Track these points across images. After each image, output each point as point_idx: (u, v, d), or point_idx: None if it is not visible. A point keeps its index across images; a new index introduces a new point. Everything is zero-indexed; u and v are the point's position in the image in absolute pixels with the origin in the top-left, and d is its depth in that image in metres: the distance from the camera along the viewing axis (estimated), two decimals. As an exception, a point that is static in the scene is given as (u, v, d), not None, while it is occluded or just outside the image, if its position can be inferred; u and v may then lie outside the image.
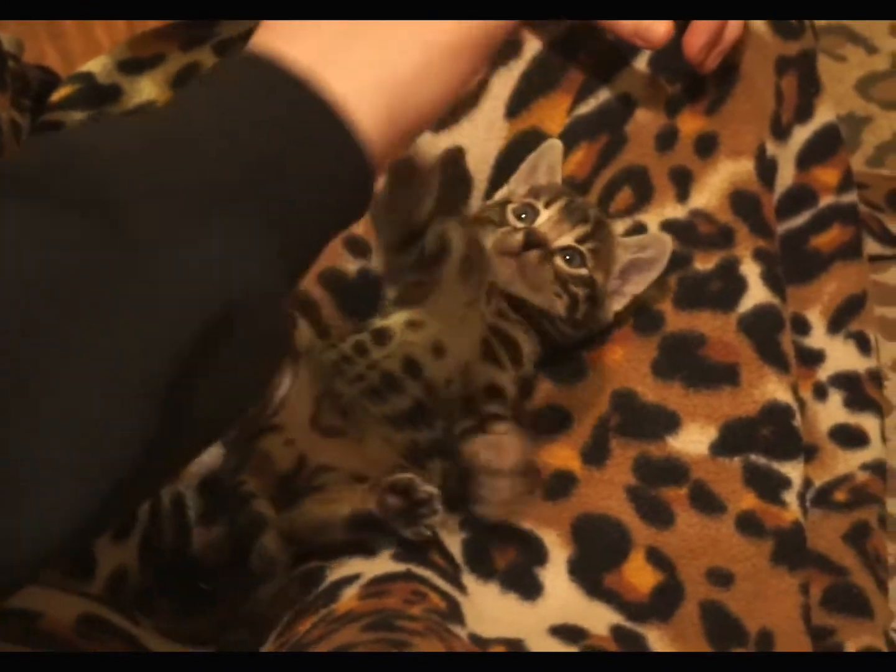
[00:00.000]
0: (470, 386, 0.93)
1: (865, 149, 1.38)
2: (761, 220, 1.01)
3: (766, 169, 1.03)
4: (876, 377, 1.06)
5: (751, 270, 0.98)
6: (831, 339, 1.06)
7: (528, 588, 0.90)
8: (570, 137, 1.05)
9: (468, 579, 0.90)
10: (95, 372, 0.52)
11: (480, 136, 1.05)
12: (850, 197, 1.09)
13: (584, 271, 0.95)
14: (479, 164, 1.06)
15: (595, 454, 0.94)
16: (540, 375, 0.98)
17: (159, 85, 1.09)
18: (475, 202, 1.06)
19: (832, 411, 1.04)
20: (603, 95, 1.04)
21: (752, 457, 0.94)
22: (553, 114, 1.05)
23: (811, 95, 1.08)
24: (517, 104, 1.05)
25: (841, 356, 1.06)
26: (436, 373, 0.92)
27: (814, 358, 1.06)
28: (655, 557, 0.91)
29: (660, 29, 0.92)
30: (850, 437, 1.04)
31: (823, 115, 1.09)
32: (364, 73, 0.62)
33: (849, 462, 1.02)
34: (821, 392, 1.05)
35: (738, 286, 0.98)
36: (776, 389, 0.96)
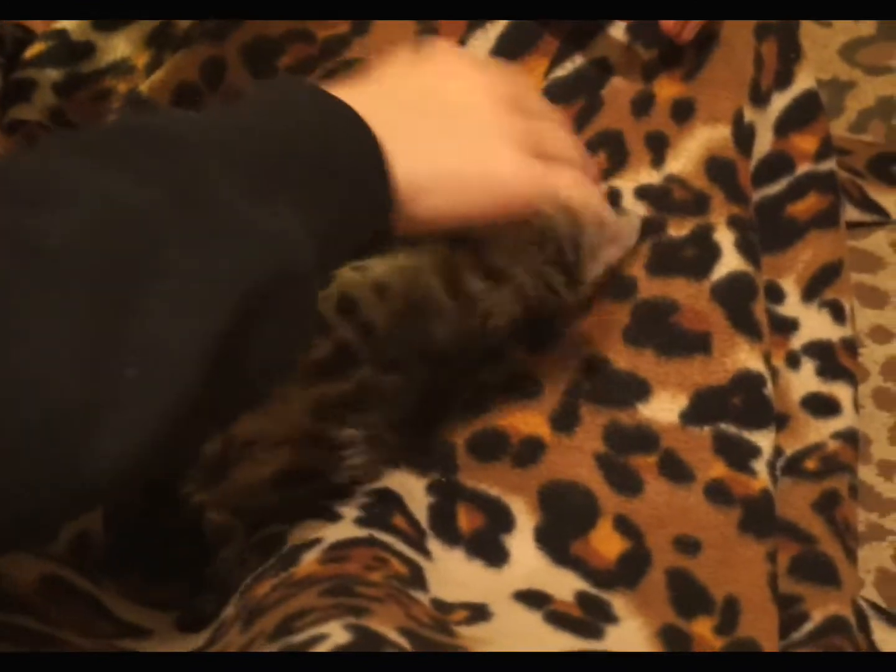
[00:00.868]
0: None
1: (848, 114, 1.36)
2: (737, 187, 1.00)
3: (743, 135, 1.02)
4: (850, 346, 1.05)
5: (725, 238, 0.98)
6: (805, 308, 1.05)
7: (494, 555, 0.90)
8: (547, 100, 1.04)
9: (433, 544, 0.90)
10: (176, 301, 0.58)
11: None
12: (829, 165, 1.08)
13: None
14: None
15: (564, 421, 0.94)
16: (509, 340, 0.98)
17: (134, 42, 1.08)
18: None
19: (805, 380, 1.04)
20: (579, 60, 1.03)
21: (723, 425, 0.94)
22: (529, 77, 1.04)
23: (791, 62, 1.07)
24: None
25: (815, 325, 1.05)
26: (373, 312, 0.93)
27: (787, 326, 1.05)
28: (623, 525, 0.91)
29: None
30: (822, 406, 1.03)
31: (803, 81, 1.07)
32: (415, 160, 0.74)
33: (820, 431, 1.02)
34: (794, 361, 1.04)
35: (712, 253, 0.97)
36: (748, 358, 0.95)
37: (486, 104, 0.79)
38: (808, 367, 1.04)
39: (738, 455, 0.93)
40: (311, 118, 0.71)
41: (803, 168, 1.07)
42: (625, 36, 1.03)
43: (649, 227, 0.98)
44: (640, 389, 0.94)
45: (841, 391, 1.03)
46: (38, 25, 1.11)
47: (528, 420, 0.94)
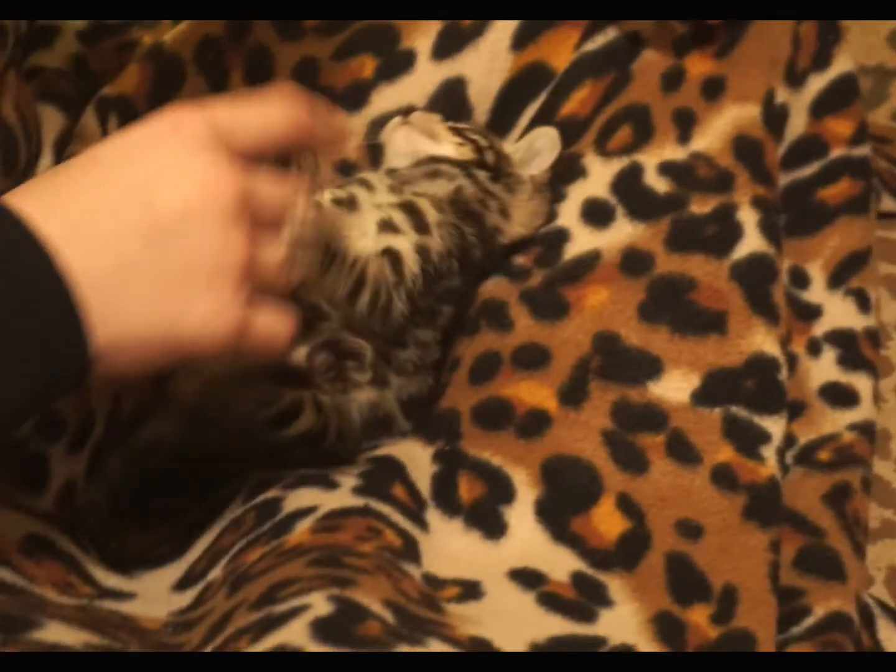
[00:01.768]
0: None
1: (892, 102, 1.33)
2: (763, 168, 0.98)
3: (774, 116, 1.00)
4: (874, 336, 1.03)
5: (748, 217, 0.96)
6: (830, 295, 1.03)
7: (493, 526, 0.89)
8: (576, 74, 1.03)
9: (433, 515, 0.89)
10: None
11: (484, 67, 1.03)
12: (863, 150, 1.05)
13: None
14: (481, 95, 1.03)
15: (572, 395, 0.92)
16: (520, 310, 0.96)
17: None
18: (474, 134, 1.04)
19: (824, 368, 1.02)
20: (612, 33, 1.02)
21: (733, 408, 0.92)
22: (560, 48, 1.03)
23: (830, 43, 1.04)
24: (524, 36, 1.02)
25: (839, 313, 1.03)
26: None
27: (811, 313, 1.03)
28: (625, 504, 0.89)
29: None
30: (840, 396, 1.01)
31: (842, 64, 1.05)
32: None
33: (836, 421, 1.00)
34: (815, 348, 1.02)
35: (734, 232, 0.96)
36: (763, 341, 0.93)
37: (202, 223, 0.69)
38: (828, 355, 1.02)
39: (747, 440, 0.91)
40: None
41: (837, 152, 1.05)
42: (658, 7, 1.00)
43: (670, 203, 0.96)
44: (651, 367, 0.93)
45: (860, 382, 1.01)
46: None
47: (534, 391, 0.93)
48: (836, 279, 1.03)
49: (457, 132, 1.00)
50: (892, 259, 1.20)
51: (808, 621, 0.89)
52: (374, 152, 1.03)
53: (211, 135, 0.70)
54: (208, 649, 0.68)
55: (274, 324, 0.75)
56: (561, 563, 0.87)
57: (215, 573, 0.82)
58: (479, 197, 0.97)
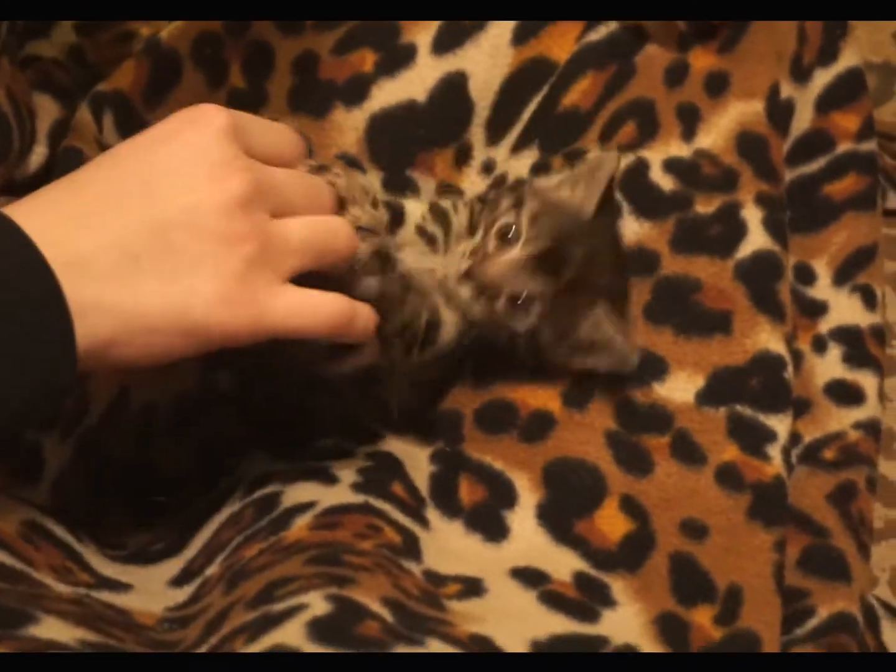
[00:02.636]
0: None
1: (898, 100, 1.33)
2: (767, 164, 0.97)
3: (778, 111, 0.99)
4: (879, 334, 1.02)
5: (752, 215, 0.95)
6: (836, 291, 1.02)
7: (494, 530, 0.88)
8: (577, 65, 1.01)
9: (432, 514, 0.89)
10: None
11: (485, 62, 1.01)
12: (870, 145, 1.04)
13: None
14: (482, 90, 1.02)
15: (577, 397, 0.92)
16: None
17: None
18: (476, 129, 1.03)
19: (830, 366, 1.00)
20: (614, 24, 1.00)
21: (738, 407, 0.91)
22: (562, 41, 1.01)
23: (837, 38, 1.03)
24: (525, 31, 1.01)
25: (844, 309, 1.02)
26: None
27: (816, 309, 1.01)
28: (629, 506, 0.88)
29: None
30: (845, 394, 0.99)
31: (848, 58, 1.04)
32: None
33: (842, 420, 0.98)
34: (820, 345, 1.01)
35: (738, 231, 0.95)
36: (769, 339, 0.92)
37: (211, 212, 0.72)
38: (834, 352, 1.01)
39: (753, 439, 0.90)
40: None
41: (843, 147, 1.04)
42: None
43: (676, 202, 0.96)
44: (656, 368, 0.92)
45: (866, 380, 1.00)
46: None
47: (538, 394, 0.92)
48: (843, 275, 1.02)
49: None
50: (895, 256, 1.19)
51: (813, 622, 0.89)
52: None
53: (230, 126, 0.74)
54: (203, 648, 0.68)
55: (310, 302, 0.76)
56: (563, 564, 0.86)
57: (212, 569, 0.81)
58: None
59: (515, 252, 0.88)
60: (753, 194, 0.95)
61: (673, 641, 0.83)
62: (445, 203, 0.95)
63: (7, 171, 0.73)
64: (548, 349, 0.90)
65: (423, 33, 1.00)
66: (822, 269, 1.02)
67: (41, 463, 0.84)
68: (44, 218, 0.68)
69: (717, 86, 0.98)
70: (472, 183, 1.04)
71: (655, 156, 0.97)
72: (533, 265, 0.88)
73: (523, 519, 0.88)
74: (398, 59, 1.01)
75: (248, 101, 1.00)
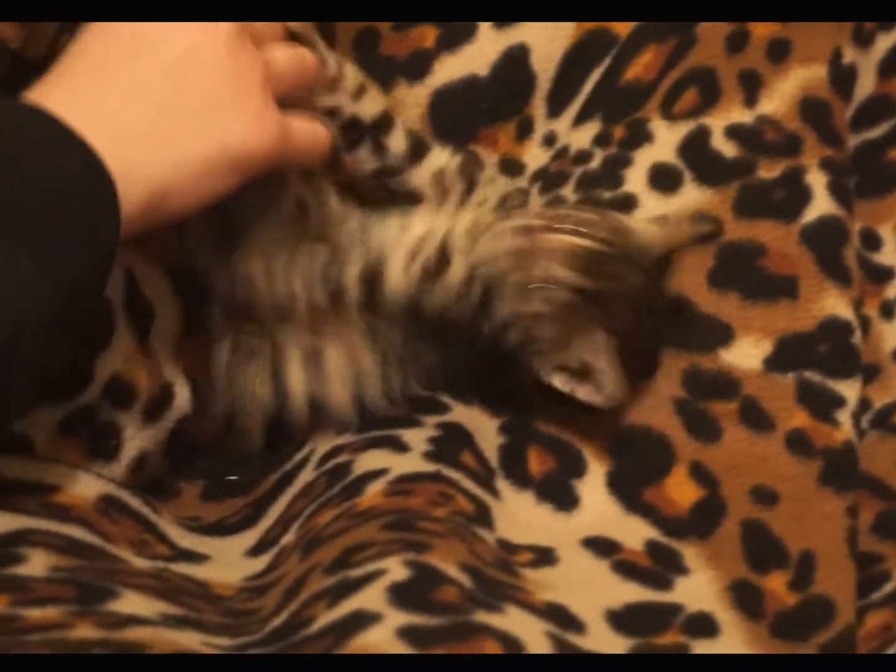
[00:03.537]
0: None
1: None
2: (831, 129, 0.96)
3: (841, 76, 0.98)
4: (947, 297, 1.01)
5: (817, 180, 0.94)
6: (903, 257, 1.01)
7: (564, 499, 0.88)
8: (639, 38, 1.02)
9: (503, 485, 0.89)
10: None
11: (546, 35, 1.02)
12: (936, 110, 1.03)
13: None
14: (544, 62, 1.02)
15: None
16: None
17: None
18: (537, 102, 1.03)
19: (899, 331, 1.00)
20: (675, -4, 1.00)
21: (807, 373, 0.90)
22: None
23: (899, 1, 1.03)
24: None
25: (912, 275, 1.01)
26: None
27: (883, 275, 1.00)
28: (699, 473, 0.88)
29: None
30: (914, 360, 0.99)
31: (912, 21, 1.03)
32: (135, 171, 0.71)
33: (912, 385, 0.98)
34: (888, 311, 1.00)
35: (803, 196, 0.94)
36: (836, 305, 0.92)
37: (211, 50, 0.76)
38: (902, 318, 1.00)
39: (822, 404, 0.90)
40: (26, 153, 0.67)
41: (908, 112, 1.03)
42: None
43: (739, 168, 0.95)
44: (722, 334, 0.92)
45: (936, 344, 0.99)
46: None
47: (604, 361, 0.92)
48: (909, 241, 1.01)
49: None
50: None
51: (889, 587, 0.88)
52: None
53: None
54: (283, 615, 0.68)
55: (311, 126, 0.83)
56: (634, 532, 0.86)
57: (288, 538, 0.82)
58: None
59: (582, 241, 0.87)
60: (817, 159, 0.95)
61: (747, 608, 0.82)
62: (486, 169, 0.96)
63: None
64: (537, 346, 0.88)
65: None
66: (889, 235, 1.01)
67: (118, 443, 0.85)
68: (65, 94, 0.70)
69: (779, 51, 0.97)
70: (535, 156, 1.04)
71: (717, 122, 0.97)
72: (587, 261, 0.86)
73: (592, 488, 0.88)
74: (459, 34, 1.01)
75: None
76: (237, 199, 0.78)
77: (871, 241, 1.01)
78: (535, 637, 0.67)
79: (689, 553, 0.85)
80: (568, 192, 1.01)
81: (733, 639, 0.80)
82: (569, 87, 1.03)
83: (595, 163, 1.01)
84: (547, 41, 1.01)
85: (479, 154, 0.99)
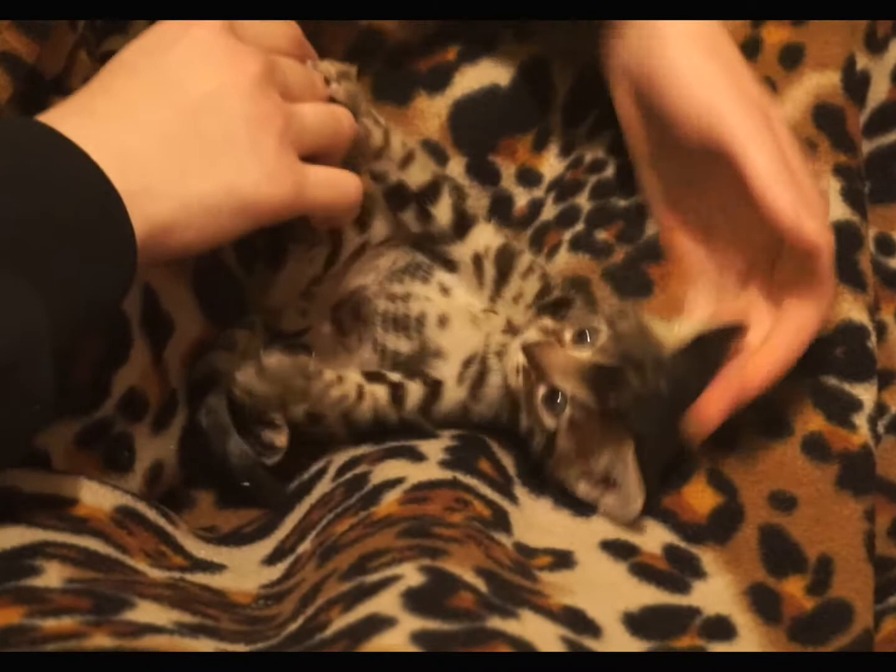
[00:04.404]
0: None
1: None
2: (844, 135, 0.96)
3: (854, 82, 0.98)
4: (961, 304, 1.01)
5: (830, 186, 0.94)
6: (918, 263, 1.01)
7: (583, 504, 0.88)
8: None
9: (520, 491, 0.89)
10: None
11: (567, 45, 1.02)
12: (948, 115, 1.03)
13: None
14: (563, 73, 1.03)
15: None
16: (603, 288, 0.97)
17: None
18: (555, 113, 1.03)
19: (915, 337, 1.00)
20: (685, 5, 1.00)
21: (823, 378, 0.91)
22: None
23: (912, 8, 1.03)
24: None
25: (926, 280, 1.01)
26: None
27: (898, 280, 1.01)
28: (717, 479, 0.89)
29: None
30: (930, 364, 0.99)
31: (924, 28, 1.03)
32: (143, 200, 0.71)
33: (929, 391, 0.98)
34: (903, 316, 1.00)
35: None
36: (851, 309, 0.92)
37: (234, 94, 0.76)
38: (919, 323, 1.00)
39: (838, 408, 0.90)
40: (33, 172, 0.68)
41: (921, 117, 1.03)
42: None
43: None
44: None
45: (951, 350, 0.99)
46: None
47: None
48: (923, 246, 1.01)
49: None
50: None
51: (905, 591, 0.88)
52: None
53: (226, 23, 0.79)
54: (299, 620, 0.68)
55: (336, 178, 0.83)
56: (653, 536, 0.87)
57: (304, 546, 0.83)
58: None
59: (584, 355, 0.87)
60: (831, 165, 0.95)
61: (765, 612, 0.83)
62: (521, 254, 0.95)
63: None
64: (562, 459, 0.88)
65: None
66: (904, 240, 1.02)
67: (132, 454, 0.86)
68: (79, 119, 0.71)
69: (792, 58, 0.98)
70: (551, 166, 1.04)
71: (732, 131, 0.97)
72: (591, 375, 0.85)
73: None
74: (480, 45, 1.02)
75: None
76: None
77: (886, 246, 1.00)
78: (549, 642, 0.67)
79: (707, 557, 0.85)
80: (582, 200, 1.01)
81: (750, 643, 0.80)
82: (586, 97, 1.03)
83: (609, 171, 1.02)
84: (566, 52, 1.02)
85: (516, 245, 0.96)
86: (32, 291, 0.64)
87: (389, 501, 0.81)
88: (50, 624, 0.63)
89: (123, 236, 0.69)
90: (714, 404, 0.86)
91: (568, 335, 0.87)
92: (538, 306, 0.92)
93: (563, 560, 0.82)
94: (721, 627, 0.81)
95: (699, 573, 0.84)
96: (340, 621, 0.64)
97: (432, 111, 1.02)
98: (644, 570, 0.83)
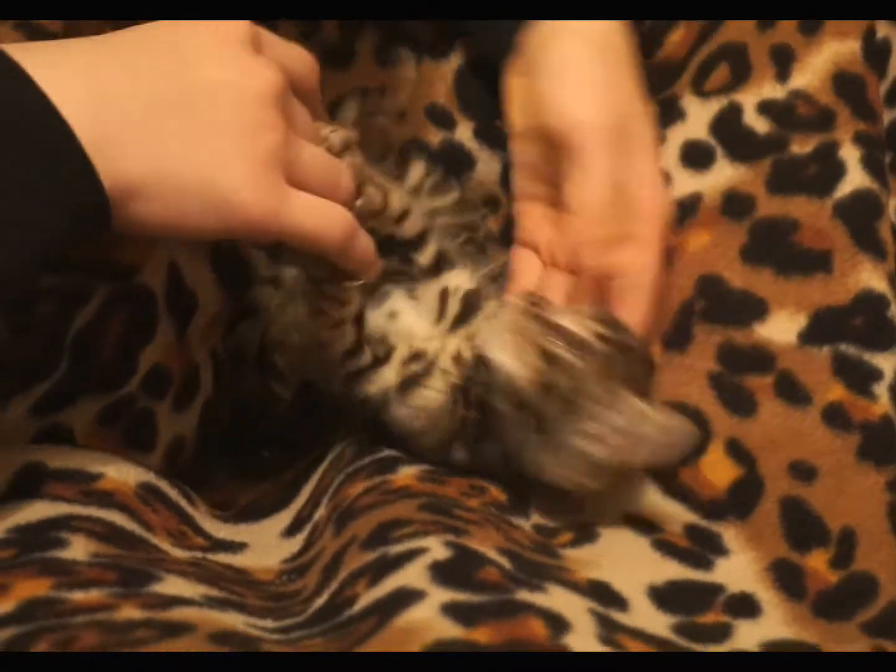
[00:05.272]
0: None
1: None
2: (865, 103, 0.95)
3: (875, 50, 0.97)
4: None
5: (850, 154, 0.93)
6: (939, 230, 1.00)
7: None
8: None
9: None
10: None
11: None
12: (970, 83, 1.02)
13: None
14: None
15: (677, 339, 0.91)
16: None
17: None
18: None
19: (934, 306, 0.99)
20: (700, -24, 0.99)
21: (843, 346, 0.89)
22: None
23: (933, -27, 1.02)
24: None
25: (948, 249, 1.00)
26: None
27: (919, 249, 1.00)
28: (735, 450, 0.87)
29: None
30: (951, 334, 0.98)
31: (946, -6, 1.02)
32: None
33: (949, 360, 0.97)
34: (924, 285, 0.99)
35: (836, 171, 0.93)
36: (871, 278, 0.91)
37: (239, 93, 0.73)
38: (939, 292, 0.99)
39: (858, 377, 0.89)
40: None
41: (942, 86, 1.02)
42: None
43: (772, 144, 0.94)
44: (756, 308, 0.91)
45: (972, 318, 0.98)
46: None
47: (637, 337, 0.91)
48: (944, 215, 1.00)
49: None
50: None
51: (927, 563, 0.88)
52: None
53: (255, 32, 0.75)
54: (324, 595, 0.68)
55: (324, 208, 0.77)
56: (673, 517, 0.86)
57: (320, 512, 0.83)
58: None
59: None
60: (851, 133, 0.94)
61: (789, 587, 0.82)
62: (487, 301, 0.92)
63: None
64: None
65: None
66: (924, 209, 1.01)
67: (154, 430, 0.85)
68: (65, 51, 0.68)
69: (811, 25, 0.96)
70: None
71: (749, 98, 0.96)
72: None
73: None
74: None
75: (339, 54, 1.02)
76: None
77: (906, 215, 1.00)
78: (578, 614, 0.67)
79: (729, 534, 0.85)
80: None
81: (775, 619, 0.80)
82: None
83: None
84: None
85: (482, 294, 0.93)
86: None
87: (407, 473, 0.81)
88: (78, 596, 0.62)
89: (86, 179, 0.66)
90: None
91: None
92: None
93: (585, 534, 0.82)
94: (745, 605, 0.80)
95: (721, 550, 0.84)
96: (368, 596, 0.64)
97: (437, 75, 1.02)
98: (666, 546, 0.83)
